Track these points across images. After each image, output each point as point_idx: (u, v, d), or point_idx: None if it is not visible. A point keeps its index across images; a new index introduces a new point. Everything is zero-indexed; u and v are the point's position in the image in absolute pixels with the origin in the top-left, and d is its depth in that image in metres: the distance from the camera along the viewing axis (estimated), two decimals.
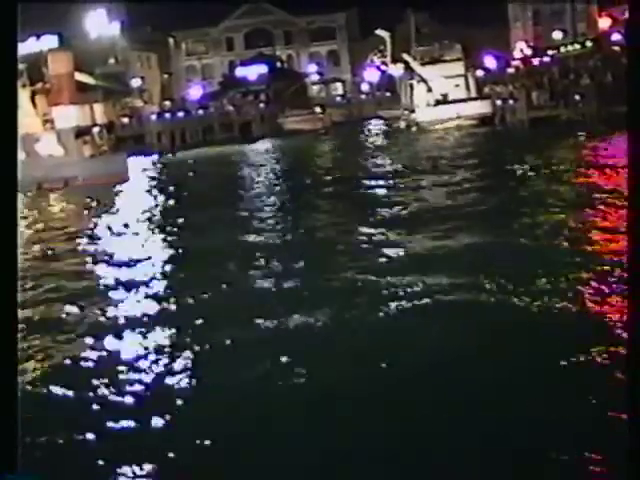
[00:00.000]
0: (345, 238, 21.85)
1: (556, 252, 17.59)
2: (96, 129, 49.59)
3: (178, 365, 12.47)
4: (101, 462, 9.30)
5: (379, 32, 77.99)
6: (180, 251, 22.62)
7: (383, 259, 18.54)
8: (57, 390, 11.83)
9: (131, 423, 10.37)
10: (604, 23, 64.88)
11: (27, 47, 46.80)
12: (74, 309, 16.59)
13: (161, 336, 14.08)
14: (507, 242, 18.97)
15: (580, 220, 20.53)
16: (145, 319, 15.22)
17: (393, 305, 14.51)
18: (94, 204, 36.12)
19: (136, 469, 9.01)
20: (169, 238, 25.03)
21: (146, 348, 13.40)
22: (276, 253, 20.70)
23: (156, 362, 12.71)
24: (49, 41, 49.40)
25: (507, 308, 13.84)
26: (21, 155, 42.13)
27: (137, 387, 11.72)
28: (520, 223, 21.10)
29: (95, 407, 11.07)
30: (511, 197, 26.29)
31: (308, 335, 13.59)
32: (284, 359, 12.16)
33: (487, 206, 24.88)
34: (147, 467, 9.07)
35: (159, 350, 13.23)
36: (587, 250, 17.30)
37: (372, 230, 22.25)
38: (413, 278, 16.06)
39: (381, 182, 34.64)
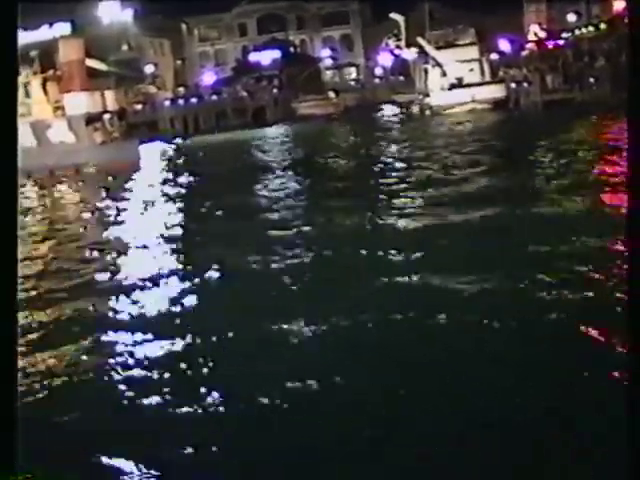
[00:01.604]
0: None
1: None
2: (107, 116, 49.55)
3: None
4: None
5: (393, 15, 77.57)
6: None
7: None
8: None
9: None
10: (619, 5, 64.09)
11: (40, 34, 46.80)
12: None
13: None
14: None
15: None
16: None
17: None
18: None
19: None
20: None
21: None
22: None
23: None
24: (62, 28, 49.24)
25: None
26: (32, 142, 42.20)
27: None
28: None
29: None
30: None
31: None
32: None
33: None
34: None
35: None
36: None
37: None
38: None
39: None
